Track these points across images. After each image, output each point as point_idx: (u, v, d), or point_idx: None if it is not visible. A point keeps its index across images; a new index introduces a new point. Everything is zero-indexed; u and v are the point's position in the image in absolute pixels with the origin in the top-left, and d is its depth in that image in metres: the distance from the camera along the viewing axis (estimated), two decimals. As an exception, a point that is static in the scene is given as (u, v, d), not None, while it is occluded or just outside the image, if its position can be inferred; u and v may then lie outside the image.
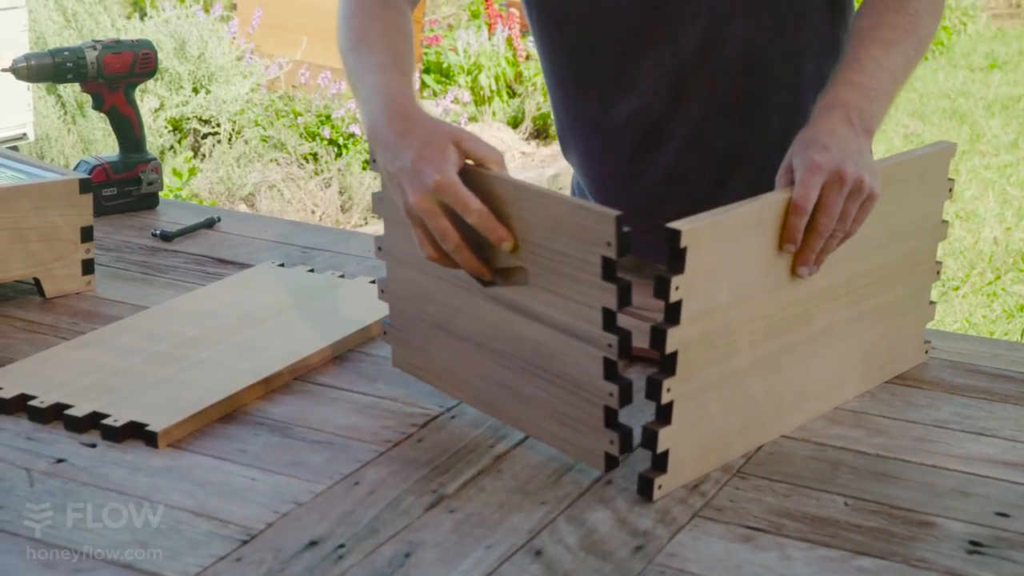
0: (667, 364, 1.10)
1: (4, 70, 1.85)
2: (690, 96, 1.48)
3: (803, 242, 1.17)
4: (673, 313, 1.09)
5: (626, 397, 1.12)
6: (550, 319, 1.15)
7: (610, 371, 1.12)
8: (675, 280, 1.08)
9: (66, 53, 1.84)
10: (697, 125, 1.49)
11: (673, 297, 1.09)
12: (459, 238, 1.15)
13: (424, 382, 1.32)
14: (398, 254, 1.30)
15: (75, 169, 1.86)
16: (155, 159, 1.93)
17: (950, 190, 1.38)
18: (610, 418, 1.13)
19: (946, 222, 1.39)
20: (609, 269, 1.08)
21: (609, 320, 1.10)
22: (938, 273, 1.41)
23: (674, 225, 1.08)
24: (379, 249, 1.32)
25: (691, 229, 1.08)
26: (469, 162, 1.16)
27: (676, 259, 1.08)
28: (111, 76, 1.87)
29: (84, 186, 1.59)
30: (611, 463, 1.15)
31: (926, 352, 1.43)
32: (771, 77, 1.48)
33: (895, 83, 1.29)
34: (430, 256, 1.18)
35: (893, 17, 1.32)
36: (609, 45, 1.49)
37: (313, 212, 4.67)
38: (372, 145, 1.22)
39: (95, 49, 1.85)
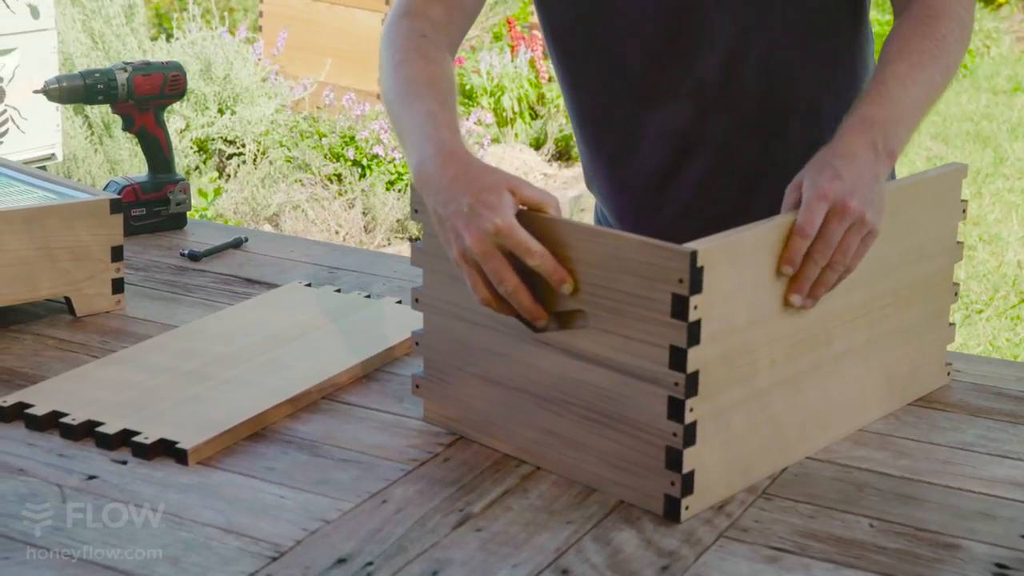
0: (689, 384, 1.11)
1: (36, 91, 1.88)
2: (711, 129, 1.49)
3: (801, 271, 1.17)
4: (693, 332, 1.10)
5: (690, 437, 1.12)
6: (608, 361, 1.15)
7: (675, 410, 1.12)
8: (693, 299, 1.09)
9: (97, 75, 1.86)
10: (718, 156, 1.50)
11: (692, 316, 1.10)
12: (517, 280, 1.15)
13: (461, 435, 1.30)
14: (437, 304, 1.29)
15: (105, 189, 1.88)
16: (183, 179, 1.95)
17: (964, 211, 1.39)
18: (672, 459, 1.13)
19: (961, 243, 1.40)
20: (679, 306, 1.09)
21: (676, 358, 1.11)
22: (956, 295, 1.41)
23: (690, 245, 1.09)
24: (416, 301, 1.31)
25: (707, 249, 1.10)
26: (522, 207, 1.17)
27: (694, 279, 1.09)
28: (141, 98, 1.89)
29: (115, 206, 1.61)
30: (671, 505, 1.14)
31: (948, 374, 1.43)
32: (792, 100, 1.49)
33: (921, 108, 1.29)
34: (483, 300, 1.17)
35: (921, 42, 1.32)
36: (628, 79, 1.50)
37: (337, 232, 4.70)
38: (422, 189, 1.21)
39: (126, 71, 1.87)
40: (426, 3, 1.41)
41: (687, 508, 1.14)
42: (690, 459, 1.13)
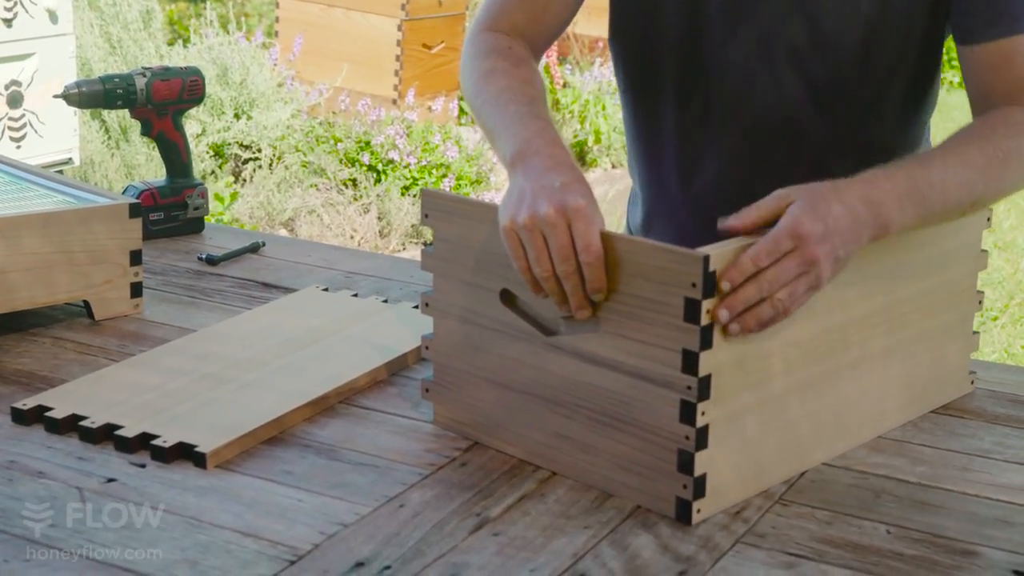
0: (701, 387, 1.12)
1: (56, 96, 1.89)
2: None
3: (740, 290, 1.11)
4: (706, 336, 1.11)
5: (702, 440, 1.13)
6: (620, 364, 1.16)
7: (687, 414, 1.12)
8: (706, 303, 1.10)
9: (116, 80, 1.87)
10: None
11: (704, 320, 1.10)
12: (577, 264, 1.14)
13: (470, 439, 1.30)
14: (446, 308, 1.29)
15: (124, 194, 1.89)
16: (201, 184, 1.96)
17: (988, 219, 1.39)
18: (684, 462, 1.14)
19: (985, 251, 1.40)
20: (692, 310, 1.10)
21: (689, 362, 1.11)
22: (980, 303, 1.41)
23: (703, 250, 1.10)
24: (426, 305, 1.32)
25: (719, 253, 1.10)
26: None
27: (707, 283, 1.09)
28: (160, 102, 1.90)
29: (134, 210, 1.62)
30: (683, 508, 1.15)
31: (972, 383, 1.43)
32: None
33: (947, 201, 1.23)
34: (542, 273, 1.14)
35: (982, 145, 1.26)
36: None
37: (352, 237, 4.71)
38: (518, 164, 1.21)
39: (144, 76, 1.88)
40: (507, 13, 1.44)
41: (699, 511, 1.14)
42: (702, 463, 1.14)
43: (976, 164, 1.26)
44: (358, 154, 5.01)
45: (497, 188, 5.15)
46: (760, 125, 1.47)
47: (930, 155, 1.25)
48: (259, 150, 4.98)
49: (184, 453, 1.25)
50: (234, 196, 4.65)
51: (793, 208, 1.15)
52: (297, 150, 5.01)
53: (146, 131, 1.93)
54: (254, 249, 1.87)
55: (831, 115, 1.46)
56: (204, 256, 1.82)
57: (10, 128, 4.23)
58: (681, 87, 1.50)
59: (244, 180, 4.94)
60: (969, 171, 1.25)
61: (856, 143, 1.47)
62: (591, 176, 5.53)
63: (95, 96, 1.86)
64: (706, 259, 1.09)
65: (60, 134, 4.35)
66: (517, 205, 1.17)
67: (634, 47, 1.53)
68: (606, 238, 1.15)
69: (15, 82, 4.21)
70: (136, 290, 1.63)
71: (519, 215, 1.16)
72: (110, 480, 1.20)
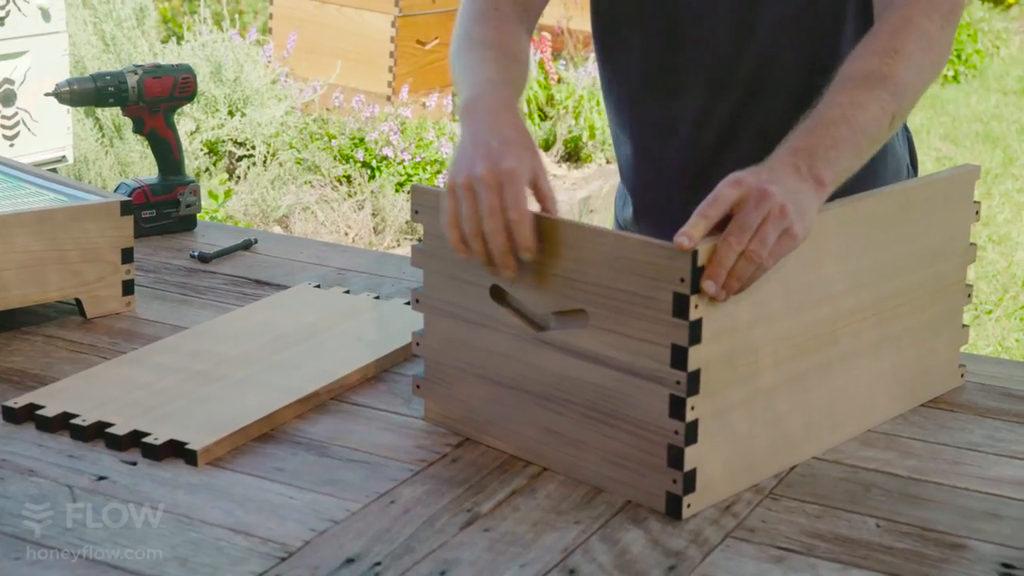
0: (691, 382, 1.12)
1: (47, 94, 1.89)
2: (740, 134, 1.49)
3: (714, 256, 1.10)
4: (695, 331, 1.11)
5: (692, 435, 1.13)
6: (610, 359, 1.16)
7: (676, 409, 1.12)
8: (694, 298, 1.10)
9: (108, 77, 1.87)
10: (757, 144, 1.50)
11: (693, 315, 1.10)
12: (503, 223, 1.16)
13: (461, 435, 1.30)
14: (438, 304, 1.30)
15: (116, 191, 1.89)
16: (193, 181, 1.96)
17: (977, 212, 1.39)
18: (673, 457, 1.14)
19: (974, 245, 1.40)
20: (681, 305, 1.10)
21: (678, 357, 1.11)
22: (969, 296, 1.42)
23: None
24: (416, 301, 1.32)
25: (708, 248, 1.10)
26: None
27: (695, 278, 1.10)
28: (151, 100, 1.89)
29: (125, 208, 1.62)
30: (673, 503, 1.15)
31: (962, 376, 1.43)
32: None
33: (866, 132, 1.21)
34: (471, 230, 1.17)
35: (870, 61, 1.25)
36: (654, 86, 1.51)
37: (346, 234, 4.71)
38: (465, 118, 1.25)
39: (136, 73, 1.88)
40: None
41: (689, 506, 1.15)
42: (692, 457, 1.14)
43: (872, 81, 1.23)
44: (352, 151, 5.01)
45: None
46: (732, 61, 1.47)
47: (823, 101, 1.22)
48: (253, 147, 4.97)
49: (175, 450, 1.25)
50: (228, 193, 4.65)
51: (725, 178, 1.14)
52: (291, 147, 5.01)
53: (138, 129, 1.92)
54: (246, 246, 1.87)
55: (794, 48, 1.45)
56: (196, 254, 1.83)
57: (3, 126, 4.22)
58: (650, 30, 1.50)
59: (238, 177, 4.94)
60: (871, 91, 1.23)
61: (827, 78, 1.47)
62: (587, 171, 5.52)
63: (86, 94, 1.86)
64: (694, 254, 1.09)
65: (53, 132, 4.34)
66: (457, 166, 1.21)
67: None
68: (597, 234, 1.15)
69: (8, 80, 4.20)
70: (128, 288, 1.63)
71: (458, 176, 1.20)
72: (101, 478, 1.21)
